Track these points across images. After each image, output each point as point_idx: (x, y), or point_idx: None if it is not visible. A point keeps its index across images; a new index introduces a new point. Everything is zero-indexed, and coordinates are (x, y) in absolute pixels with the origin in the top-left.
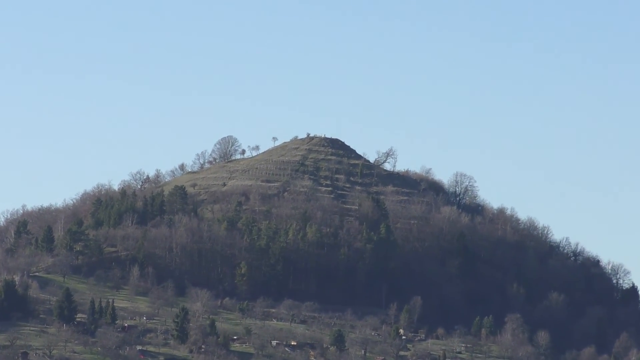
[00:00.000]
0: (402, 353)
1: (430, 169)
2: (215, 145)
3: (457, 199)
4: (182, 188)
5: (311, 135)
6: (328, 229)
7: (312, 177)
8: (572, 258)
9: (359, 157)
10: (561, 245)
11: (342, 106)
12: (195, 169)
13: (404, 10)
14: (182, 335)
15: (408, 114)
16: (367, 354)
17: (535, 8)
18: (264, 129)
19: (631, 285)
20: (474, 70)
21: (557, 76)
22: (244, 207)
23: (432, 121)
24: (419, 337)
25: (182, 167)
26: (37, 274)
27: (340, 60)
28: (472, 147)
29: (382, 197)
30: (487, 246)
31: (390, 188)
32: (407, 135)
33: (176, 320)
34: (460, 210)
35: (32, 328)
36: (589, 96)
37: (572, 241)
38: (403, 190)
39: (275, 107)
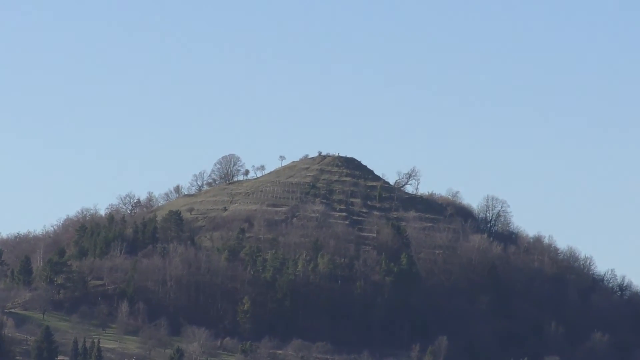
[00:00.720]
0: None
1: (457, 192)
2: (214, 165)
3: (488, 226)
4: (178, 213)
5: (323, 153)
6: (342, 260)
7: (324, 200)
8: (618, 293)
9: (377, 178)
10: (606, 278)
11: (358, 122)
12: (192, 191)
13: (432, 21)
14: None
15: (432, 130)
16: None
17: (579, 24)
18: (270, 146)
19: None
20: (505, 84)
21: (597, 94)
22: (248, 235)
23: (459, 139)
24: None
25: (177, 189)
26: (13, 310)
27: (356, 72)
28: (504, 168)
29: (403, 223)
30: (522, 279)
31: (412, 213)
32: (432, 155)
33: None
34: (491, 238)
35: None
36: (635, 114)
37: (618, 274)
38: (427, 216)
39: (283, 123)
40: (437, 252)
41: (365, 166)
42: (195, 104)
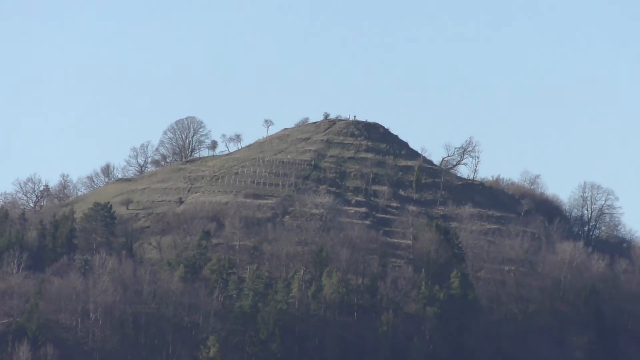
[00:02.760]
0: None
1: (537, 176)
2: (164, 133)
3: (586, 229)
4: (107, 207)
5: (331, 117)
6: (361, 280)
7: (332, 188)
8: None
9: (414, 154)
10: None
11: (384, 70)
12: (130, 174)
13: None
14: None
15: (498, 84)
16: None
17: None
18: (250, 106)
19: None
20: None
21: None
22: (215, 242)
23: (540, 96)
24: None
25: (106, 170)
26: None
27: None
28: (608, 142)
29: (454, 224)
30: (637, 311)
31: (468, 209)
32: (497, 120)
33: None
34: (590, 248)
35: None
36: None
37: None
38: (490, 213)
39: (268, 70)
40: (507, 268)
41: (396, 136)
42: (133, 44)
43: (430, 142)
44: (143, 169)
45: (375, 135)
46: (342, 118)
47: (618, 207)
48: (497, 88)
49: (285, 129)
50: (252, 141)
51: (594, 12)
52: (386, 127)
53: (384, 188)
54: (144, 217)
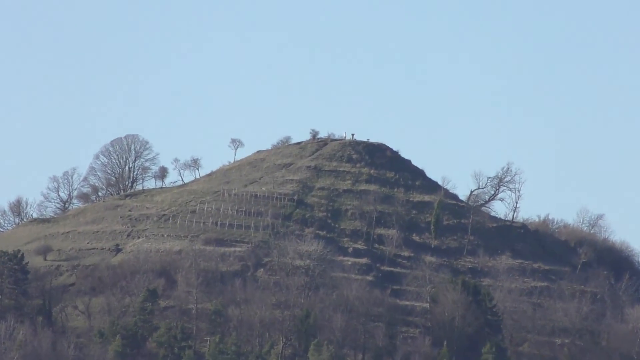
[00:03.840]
0: None
1: (600, 216)
2: (96, 157)
3: None
4: (18, 258)
5: (321, 135)
6: (360, 356)
7: (323, 232)
8: None
9: (432, 186)
10: None
11: (391, 79)
12: (50, 212)
13: None
14: None
15: (538, 94)
16: None
17: None
18: (212, 122)
19: None
20: None
21: None
22: (163, 304)
23: (597, 113)
24: None
25: (16, 207)
26: None
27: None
28: None
29: (486, 281)
30: None
31: (505, 260)
32: (543, 141)
33: None
34: None
35: None
36: None
37: None
38: (536, 265)
39: (238, 76)
40: (559, 341)
41: (408, 161)
42: (57, 39)
43: (454, 169)
44: (67, 205)
45: (380, 160)
46: (336, 137)
47: None
48: (542, 99)
49: (259, 151)
50: (214, 168)
51: None
52: (395, 149)
53: (392, 232)
54: (67, 270)
